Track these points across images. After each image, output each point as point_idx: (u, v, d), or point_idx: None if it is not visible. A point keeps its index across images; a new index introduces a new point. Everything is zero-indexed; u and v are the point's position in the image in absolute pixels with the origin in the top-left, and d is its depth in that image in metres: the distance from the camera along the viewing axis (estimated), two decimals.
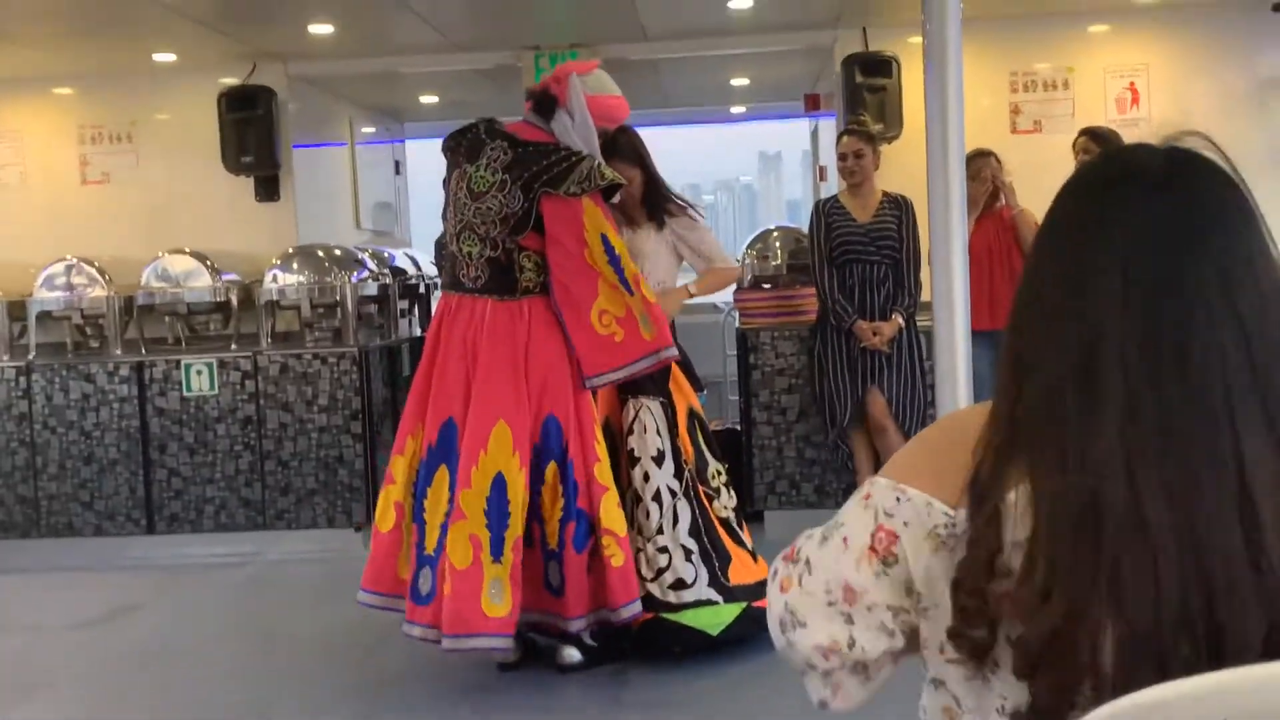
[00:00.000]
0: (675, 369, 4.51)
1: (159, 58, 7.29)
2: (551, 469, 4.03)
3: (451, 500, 3.92)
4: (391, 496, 4.08)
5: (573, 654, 4.21)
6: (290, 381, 6.32)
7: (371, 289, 6.79)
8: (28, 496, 6.48)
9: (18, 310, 6.72)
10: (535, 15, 7.05)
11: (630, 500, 4.33)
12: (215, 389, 6.34)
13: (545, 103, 4.11)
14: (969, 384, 2.54)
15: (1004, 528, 1.12)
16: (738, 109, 11.17)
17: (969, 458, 1.17)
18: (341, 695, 4.19)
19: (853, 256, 5.47)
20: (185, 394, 6.38)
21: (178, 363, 6.40)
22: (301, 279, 6.50)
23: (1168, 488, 1.07)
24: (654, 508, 4.29)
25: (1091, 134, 5.66)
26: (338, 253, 6.73)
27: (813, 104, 8.86)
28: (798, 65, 8.53)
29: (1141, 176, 1.18)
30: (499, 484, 3.89)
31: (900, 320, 5.44)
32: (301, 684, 4.33)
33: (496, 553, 3.85)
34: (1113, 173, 1.23)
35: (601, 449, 4.10)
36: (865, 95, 6.88)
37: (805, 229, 6.01)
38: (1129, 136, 5.72)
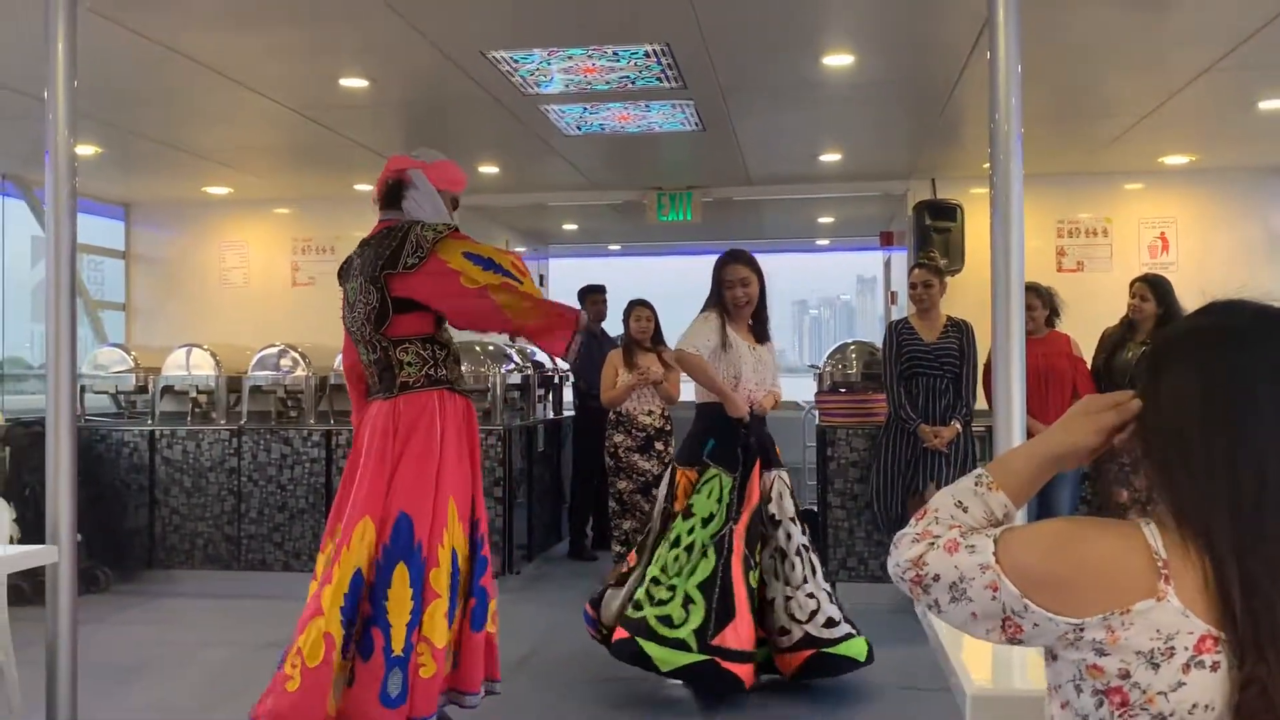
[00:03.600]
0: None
1: (359, 187, 7.58)
2: (400, 572, 3.30)
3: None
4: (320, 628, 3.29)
5: None
6: None
7: (516, 378, 6.90)
8: (232, 536, 6.67)
9: (235, 385, 6.98)
10: (659, 163, 7.21)
11: (776, 556, 4.32)
12: None
13: (393, 191, 3.55)
14: None
15: None
16: (822, 241, 11.23)
17: (1090, 586, 1.16)
18: None
19: (919, 370, 5.44)
20: None
21: None
22: (460, 369, 6.61)
23: None
24: (798, 560, 4.31)
25: (1148, 281, 5.49)
26: (490, 347, 6.88)
27: (886, 240, 8.88)
28: (875, 207, 8.57)
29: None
30: (355, 583, 3.27)
31: (958, 426, 5.38)
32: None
33: (345, 651, 3.25)
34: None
35: (445, 554, 3.37)
36: (933, 235, 6.91)
37: (879, 344, 6.01)
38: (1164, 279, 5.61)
